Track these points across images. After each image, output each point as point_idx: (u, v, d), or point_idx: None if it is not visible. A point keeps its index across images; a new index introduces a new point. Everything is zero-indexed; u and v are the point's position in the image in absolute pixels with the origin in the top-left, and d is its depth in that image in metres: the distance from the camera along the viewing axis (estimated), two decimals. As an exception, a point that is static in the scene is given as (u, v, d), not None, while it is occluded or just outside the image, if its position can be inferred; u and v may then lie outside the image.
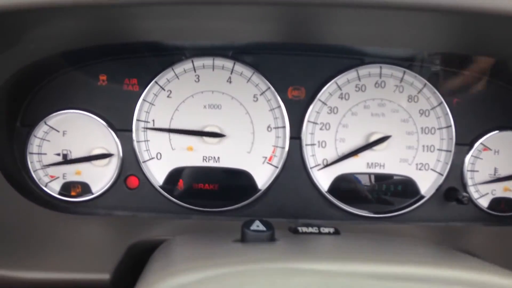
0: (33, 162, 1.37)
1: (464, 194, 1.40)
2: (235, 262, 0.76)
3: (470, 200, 1.42)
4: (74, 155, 1.38)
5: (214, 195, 1.42)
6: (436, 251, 1.03)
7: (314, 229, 1.04)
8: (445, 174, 1.42)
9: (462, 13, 0.87)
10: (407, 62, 1.40)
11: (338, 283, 0.68)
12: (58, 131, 1.37)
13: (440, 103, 1.41)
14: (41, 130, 1.36)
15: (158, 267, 0.86)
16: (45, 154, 1.37)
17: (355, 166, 1.43)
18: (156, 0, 0.90)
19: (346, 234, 1.04)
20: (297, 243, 0.97)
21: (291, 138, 1.40)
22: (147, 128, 1.39)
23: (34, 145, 1.36)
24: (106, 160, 1.38)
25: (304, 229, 1.04)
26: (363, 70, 1.40)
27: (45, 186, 1.39)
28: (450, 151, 1.42)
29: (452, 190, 1.43)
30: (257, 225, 0.95)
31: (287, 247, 0.93)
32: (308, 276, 0.70)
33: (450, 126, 1.41)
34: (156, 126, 1.39)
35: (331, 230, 1.04)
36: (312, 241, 0.99)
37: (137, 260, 1.11)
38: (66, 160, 1.38)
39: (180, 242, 1.05)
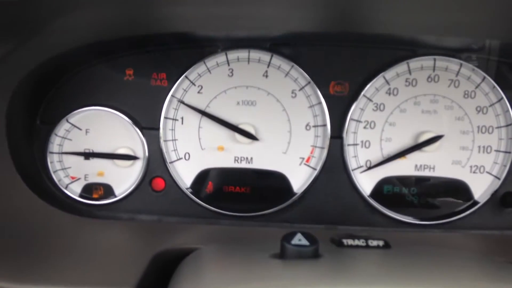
0: (53, 163, 1.32)
1: (524, 200, 1.30)
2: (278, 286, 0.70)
3: (528, 207, 1.33)
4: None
5: (245, 198, 1.35)
6: (503, 272, 0.92)
7: (361, 242, 0.95)
8: (502, 177, 1.33)
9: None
10: (464, 54, 1.30)
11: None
12: (80, 129, 1.32)
13: (500, 99, 1.31)
14: (62, 128, 1.31)
15: (189, 285, 0.80)
16: (66, 153, 1.31)
17: (401, 168, 1.34)
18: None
19: (398, 249, 0.95)
20: (344, 260, 0.89)
21: (332, 137, 1.32)
22: (180, 102, 1.31)
23: (54, 144, 1.31)
24: (130, 161, 1.31)
25: (350, 241, 0.95)
26: (415, 63, 1.31)
27: (66, 188, 1.33)
28: (510, 153, 1.32)
29: (510, 195, 1.34)
30: (299, 239, 0.86)
31: (333, 266, 0.84)
32: None
33: (511, 124, 1.30)
34: (185, 125, 1.32)
35: (380, 243, 0.95)
36: (360, 258, 0.90)
37: (162, 270, 1.06)
38: (87, 153, 1.32)
39: (210, 255, 0.99)
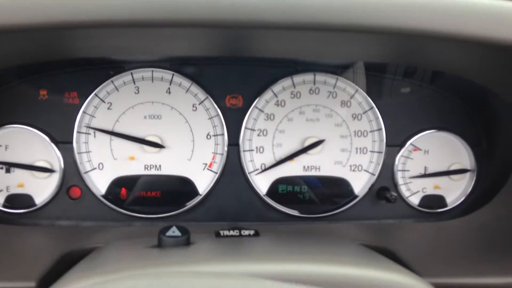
0: (-25, 177, 1.37)
1: (392, 193, 1.47)
2: (137, 267, 0.83)
3: (399, 198, 1.50)
4: (17, 168, 1.40)
5: (156, 202, 1.45)
6: (344, 250, 1.08)
7: (235, 232, 1.10)
8: (377, 174, 1.49)
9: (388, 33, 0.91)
10: (339, 69, 1.46)
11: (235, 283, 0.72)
12: (0, 146, 1.38)
13: (371, 108, 1.47)
14: (-18, 145, 1.36)
15: (76, 271, 0.90)
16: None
17: (292, 169, 1.48)
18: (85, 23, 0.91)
19: (265, 236, 1.09)
20: (211, 246, 1.02)
21: (230, 144, 1.44)
22: (89, 127, 1.40)
23: (-24, 160, 1.37)
24: (47, 172, 1.40)
25: (226, 232, 1.10)
26: (298, 78, 1.44)
27: (-12, 199, 1.39)
28: (381, 152, 1.48)
29: (383, 189, 1.50)
30: (173, 231, 0.99)
31: (198, 251, 0.97)
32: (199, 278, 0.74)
33: (381, 129, 1.47)
34: (98, 138, 1.41)
35: (251, 232, 1.10)
36: (228, 244, 1.04)
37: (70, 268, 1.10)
38: (6, 163, 1.38)
39: (107, 249, 1.08)
